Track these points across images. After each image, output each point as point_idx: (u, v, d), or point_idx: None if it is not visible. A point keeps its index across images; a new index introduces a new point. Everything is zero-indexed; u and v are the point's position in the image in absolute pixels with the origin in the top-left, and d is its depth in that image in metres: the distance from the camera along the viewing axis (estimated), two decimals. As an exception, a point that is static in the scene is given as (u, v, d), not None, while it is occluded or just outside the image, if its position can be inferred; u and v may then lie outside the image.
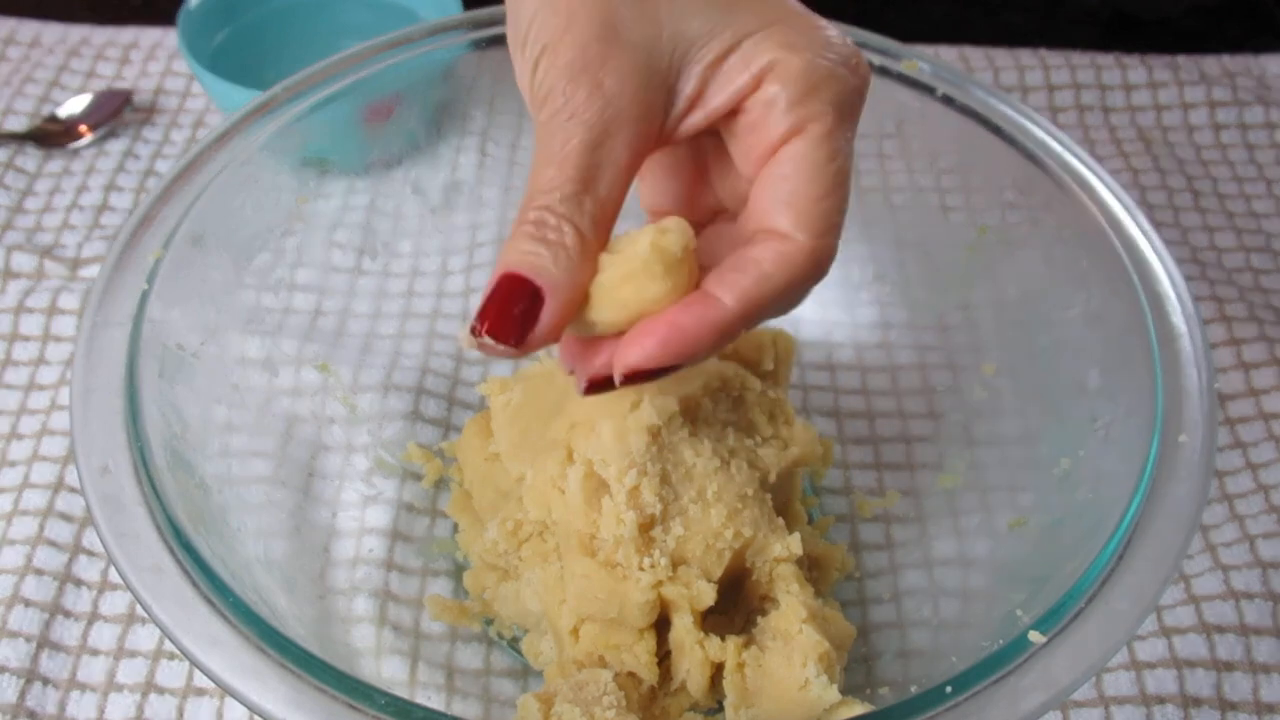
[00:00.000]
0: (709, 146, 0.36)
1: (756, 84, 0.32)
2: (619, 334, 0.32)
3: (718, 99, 0.32)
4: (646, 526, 0.39)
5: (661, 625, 0.40)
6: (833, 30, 0.33)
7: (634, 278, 0.31)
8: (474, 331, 0.31)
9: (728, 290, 0.31)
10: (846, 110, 0.32)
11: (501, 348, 0.31)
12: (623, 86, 0.31)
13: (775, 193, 0.32)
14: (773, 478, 0.42)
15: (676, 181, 0.37)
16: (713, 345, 0.31)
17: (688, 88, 0.32)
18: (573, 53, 0.31)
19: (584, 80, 0.31)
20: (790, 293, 0.32)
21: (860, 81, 0.33)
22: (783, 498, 0.45)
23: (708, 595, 0.39)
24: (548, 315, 0.31)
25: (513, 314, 0.31)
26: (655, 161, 0.37)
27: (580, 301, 0.32)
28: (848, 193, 0.32)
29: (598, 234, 0.31)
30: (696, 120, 0.33)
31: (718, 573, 0.39)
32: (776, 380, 0.46)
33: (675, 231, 0.31)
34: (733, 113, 0.33)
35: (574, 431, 0.42)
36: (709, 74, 0.32)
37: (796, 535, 0.40)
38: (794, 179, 0.31)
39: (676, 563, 0.39)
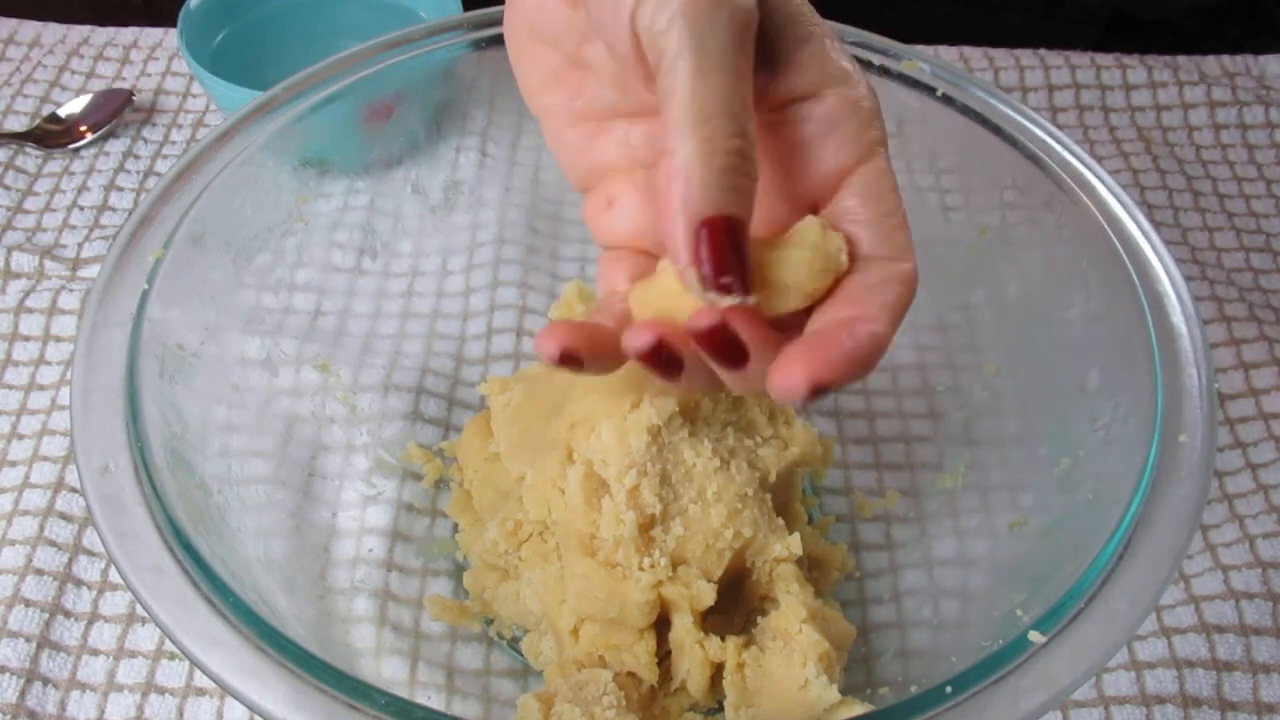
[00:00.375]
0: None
1: (816, 90, 0.31)
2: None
3: (792, 81, 0.32)
4: (646, 526, 0.39)
5: (661, 625, 0.40)
6: None
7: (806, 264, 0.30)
8: (707, 284, 0.29)
9: (881, 315, 0.30)
10: (887, 144, 0.32)
11: (740, 290, 0.29)
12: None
13: (862, 215, 0.31)
14: (773, 478, 0.42)
15: None
16: (870, 369, 0.30)
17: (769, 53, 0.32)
18: None
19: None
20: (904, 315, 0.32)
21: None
22: (783, 498, 0.45)
23: (708, 595, 0.39)
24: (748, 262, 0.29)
25: (743, 258, 0.29)
26: None
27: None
28: None
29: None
30: (771, 91, 0.32)
31: (718, 573, 0.39)
32: None
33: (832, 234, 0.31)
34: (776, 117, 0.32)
35: (574, 431, 0.42)
36: (790, 50, 0.31)
37: (796, 535, 0.40)
38: (879, 203, 0.31)
39: (676, 563, 0.39)
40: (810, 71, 0.32)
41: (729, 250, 0.29)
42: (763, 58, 0.31)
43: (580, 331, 0.32)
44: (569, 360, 0.31)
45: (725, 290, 0.29)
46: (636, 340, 0.31)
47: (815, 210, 0.33)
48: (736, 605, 0.42)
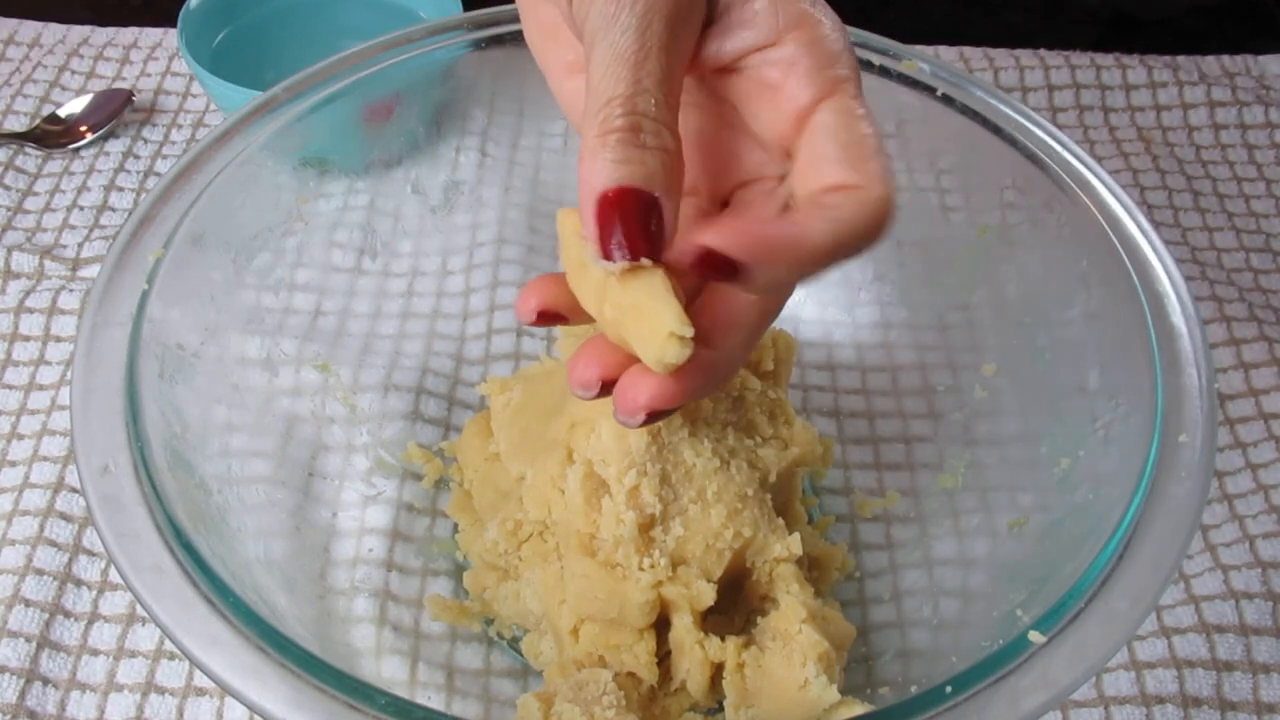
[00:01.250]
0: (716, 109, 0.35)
1: (778, 38, 0.31)
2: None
3: (746, 35, 0.32)
4: (646, 526, 0.39)
5: (661, 625, 0.40)
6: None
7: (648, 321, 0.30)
8: (612, 257, 0.29)
9: (817, 220, 0.29)
10: (860, 83, 0.32)
11: (648, 257, 0.29)
12: None
13: (829, 150, 0.30)
14: (773, 478, 0.42)
15: (698, 152, 0.36)
16: (789, 273, 0.29)
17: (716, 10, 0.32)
18: None
19: None
20: (865, 241, 0.30)
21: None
22: (783, 498, 0.45)
23: (707, 595, 0.39)
24: (668, 229, 0.29)
25: (649, 227, 0.29)
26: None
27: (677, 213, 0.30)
28: None
29: (676, 130, 0.30)
30: (724, 50, 0.32)
31: (718, 573, 0.39)
32: (777, 380, 0.46)
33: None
34: (734, 68, 0.32)
35: (574, 431, 0.42)
36: (741, 5, 0.32)
37: (796, 535, 0.40)
38: (845, 134, 0.30)
39: (676, 563, 0.39)
40: (765, 22, 0.32)
41: (617, 220, 0.29)
42: (714, 18, 0.32)
43: (558, 286, 0.32)
44: (548, 317, 0.32)
45: (610, 259, 0.29)
46: (582, 391, 0.32)
47: (789, 154, 0.32)
48: (736, 605, 0.42)
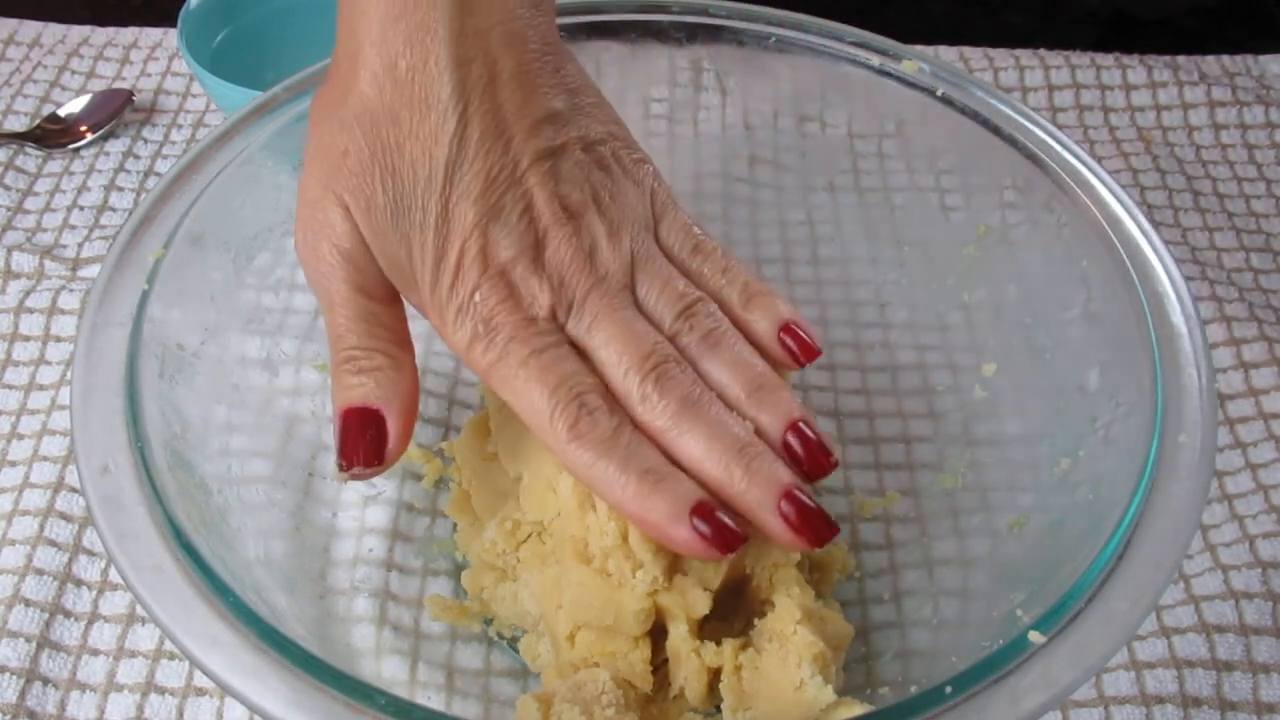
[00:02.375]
0: None
1: None
2: None
3: None
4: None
5: (659, 633, 0.40)
6: None
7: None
8: (341, 468, 0.36)
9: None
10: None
11: (369, 471, 0.36)
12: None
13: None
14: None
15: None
16: None
17: None
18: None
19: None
20: None
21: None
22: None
23: (702, 604, 0.39)
24: (394, 428, 0.36)
25: (365, 440, 0.36)
26: None
27: (413, 409, 0.37)
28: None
29: (402, 344, 0.38)
30: None
31: (716, 582, 0.39)
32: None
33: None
34: None
35: None
36: None
37: None
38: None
39: (673, 572, 0.39)
40: None
41: (346, 437, 0.36)
42: None
43: None
44: None
45: (350, 475, 0.36)
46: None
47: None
48: (737, 610, 0.42)
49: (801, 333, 0.38)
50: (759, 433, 0.36)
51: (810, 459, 0.35)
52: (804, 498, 0.34)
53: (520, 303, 0.35)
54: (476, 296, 0.35)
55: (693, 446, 0.34)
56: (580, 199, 0.37)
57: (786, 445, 0.35)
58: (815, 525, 0.34)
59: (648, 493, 0.34)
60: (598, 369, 0.36)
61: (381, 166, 0.35)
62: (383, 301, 0.37)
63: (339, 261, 0.36)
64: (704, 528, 0.33)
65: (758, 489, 0.34)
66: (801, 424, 0.36)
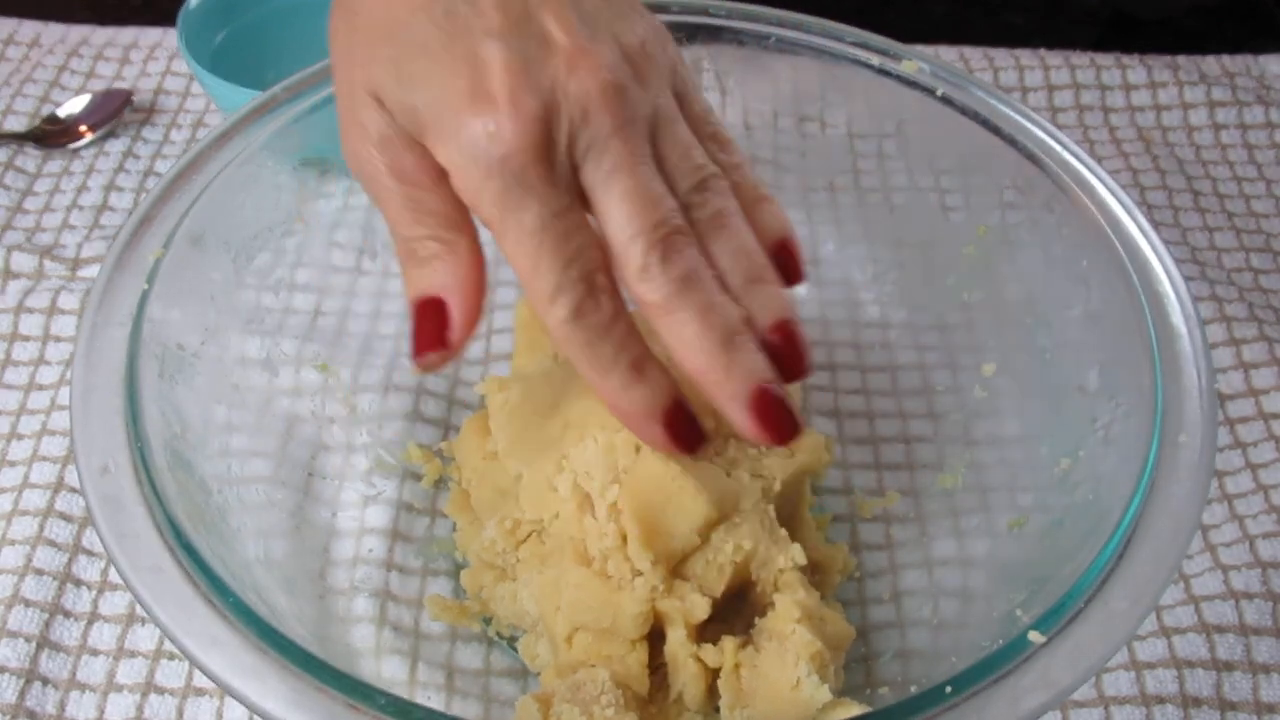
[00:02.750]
0: None
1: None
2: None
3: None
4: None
5: (657, 637, 0.40)
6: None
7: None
8: (417, 357, 0.36)
9: None
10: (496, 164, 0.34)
11: (439, 358, 0.35)
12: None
13: None
14: (777, 486, 0.42)
15: None
16: None
17: None
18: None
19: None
20: None
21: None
22: (790, 506, 0.44)
23: (701, 609, 0.39)
24: (457, 313, 0.35)
25: (431, 328, 0.35)
26: None
27: (475, 291, 0.36)
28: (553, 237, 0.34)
29: (454, 227, 0.36)
30: None
31: (719, 589, 0.39)
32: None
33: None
34: None
35: (567, 433, 0.42)
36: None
37: (798, 546, 0.40)
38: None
39: (674, 577, 0.39)
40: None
41: (415, 328, 0.36)
42: None
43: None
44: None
45: (422, 365, 0.36)
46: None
47: None
48: (740, 613, 0.42)
49: (796, 254, 0.38)
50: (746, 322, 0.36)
51: (789, 359, 0.36)
52: (777, 394, 0.35)
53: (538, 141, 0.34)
54: (491, 127, 0.33)
55: (680, 329, 0.34)
56: (606, 38, 0.35)
57: (769, 342, 0.35)
58: (781, 422, 0.35)
59: (630, 384, 0.35)
60: (601, 220, 0.35)
61: (384, 25, 0.35)
62: (427, 187, 0.35)
63: (376, 154, 0.36)
64: (672, 427, 0.35)
65: (735, 382, 0.34)
66: (788, 323, 0.36)
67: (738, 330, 0.34)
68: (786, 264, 0.37)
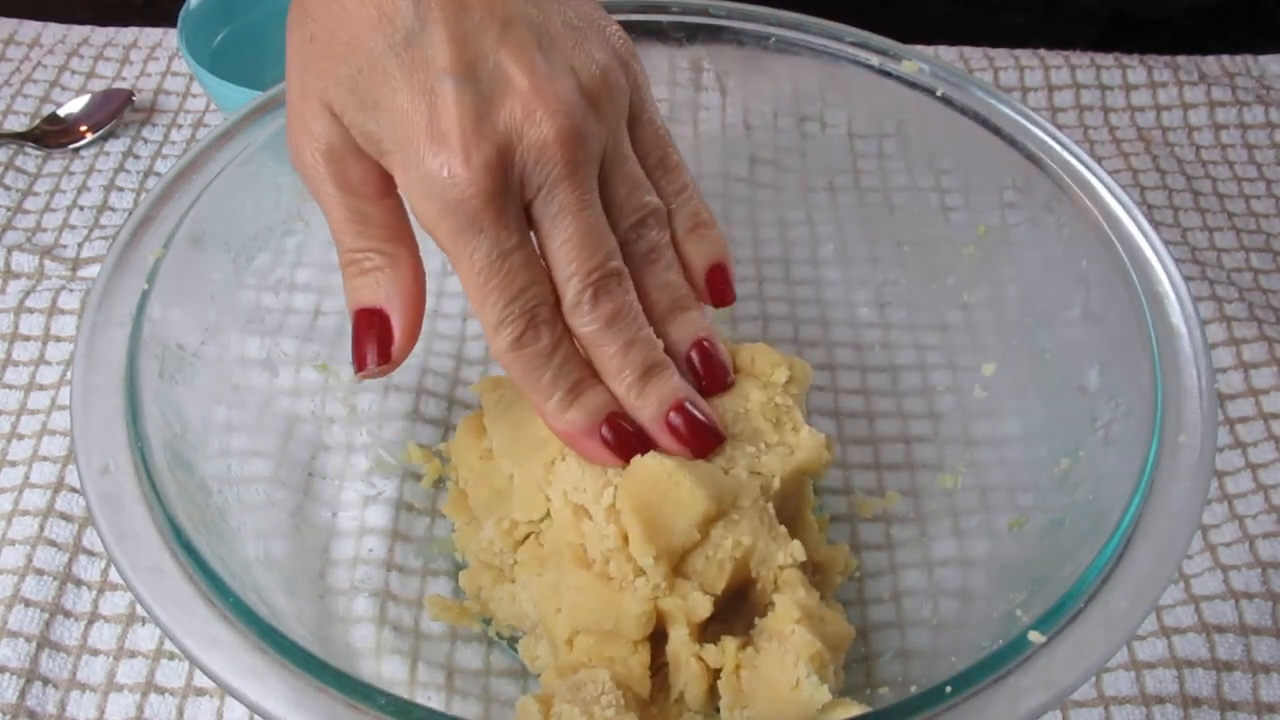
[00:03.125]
0: None
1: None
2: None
3: None
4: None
5: (658, 638, 0.40)
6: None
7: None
8: (357, 370, 0.37)
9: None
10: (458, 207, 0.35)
11: (379, 370, 0.37)
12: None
13: None
14: (776, 484, 0.42)
15: None
16: None
17: None
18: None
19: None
20: None
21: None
22: (791, 506, 0.44)
23: (703, 607, 0.38)
24: (398, 325, 0.37)
25: (371, 339, 0.37)
26: None
27: (415, 305, 0.37)
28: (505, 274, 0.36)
29: (396, 240, 0.38)
30: None
31: (720, 586, 0.39)
32: (789, 392, 0.46)
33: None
34: None
35: (554, 437, 0.41)
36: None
37: (797, 543, 0.40)
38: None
39: (676, 576, 0.39)
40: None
41: (354, 338, 0.37)
42: None
43: None
44: None
45: (362, 375, 0.37)
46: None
47: None
48: (740, 613, 0.42)
49: (727, 277, 0.42)
50: (669, 348, 0.40)
51: (709, 374, 0.41)
52: (694, 410, 0.39)
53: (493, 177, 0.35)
54: (445, 172, 0.34)
55: (606, 361, 0.38)
56: (564, 74, 0.36)
57: (689, 360, 0.41)
58: (700, 436, 0.39)
59: (567, 407, 0.38)
60: (544, 254, 0.37)
61: (343, 42, 0.35)
62: (370, 199, 0.37)
63: (322, 162, 0.37)
64: (609, 436, 0.39)
65: (651, 406, 0.39)
66: (705, 342, 0.41)
67: (655, 361, 0.39)
68: (720, 286, 0.42)
